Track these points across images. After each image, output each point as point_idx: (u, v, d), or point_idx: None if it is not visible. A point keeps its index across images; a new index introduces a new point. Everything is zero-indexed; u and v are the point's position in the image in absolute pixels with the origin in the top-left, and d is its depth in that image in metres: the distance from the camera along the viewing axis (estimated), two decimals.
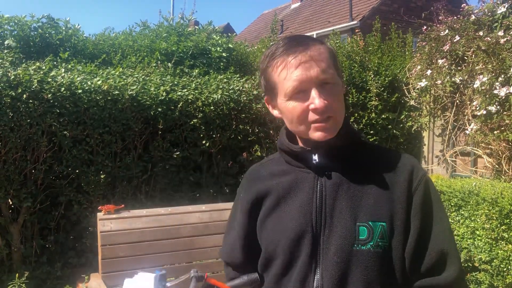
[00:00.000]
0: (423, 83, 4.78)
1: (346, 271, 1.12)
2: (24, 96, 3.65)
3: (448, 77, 4.48)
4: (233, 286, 1.11)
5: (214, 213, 2.93)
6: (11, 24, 5.38)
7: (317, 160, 1.18)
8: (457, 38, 4.44)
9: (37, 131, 3.73)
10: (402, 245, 1.14)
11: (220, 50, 6.17)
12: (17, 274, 3.47)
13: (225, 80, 4.84)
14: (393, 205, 1.14)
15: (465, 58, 4.39)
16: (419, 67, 4.97)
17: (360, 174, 1.18)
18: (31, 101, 3.67)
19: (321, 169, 1.19)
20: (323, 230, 1.15)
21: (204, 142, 4.39)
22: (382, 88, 5.44)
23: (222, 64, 6.07)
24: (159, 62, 5.54)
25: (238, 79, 4.99)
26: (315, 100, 1.11)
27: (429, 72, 4.71)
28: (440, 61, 4.60)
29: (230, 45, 6.40)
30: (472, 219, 3.37)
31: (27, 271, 3.62)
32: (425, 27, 5.05)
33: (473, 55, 4.23)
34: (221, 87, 4.58)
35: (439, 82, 4.58)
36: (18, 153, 3.70)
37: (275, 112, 1.25)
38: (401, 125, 5.55)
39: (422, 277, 1.15)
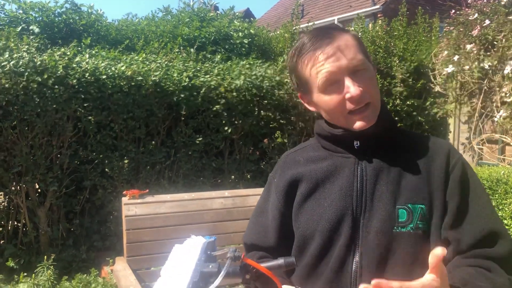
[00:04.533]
0: (449, 69, 4.65)
1: (385, 253, 1.13)
2: (50, 81, 3.69)
3: (476, 63, 4.35)
4: (268, 267, 1.10)
5: (236, 199, 2.93)
6: (35, 10, 5.44)
7: (358, 145, 1.20)
8: (487, 22, 4.30)
9: (63, 116, 3.78)
10: (441, 225, 1.14)
11: (242, 36, 6.12)
12: (45, 256, 3.56)
13: (248, 65, 4.81)
14: (431, 187, 1.16)
15: (495, 43, 4.26)
16: (446, 52, 4.84)
17: (399, 158, 1.20)
18: (56, 86, 3.72)
19: (362, 154, 1.21)
20: (363, 214, 1.16)
21: (226, 128, 4.39)
22: (408, 74, 5.33)
23: (244, 49, 6.03)
24: (181, 47, 5.53)
25: (261, 64, 4.95)
26: (350, 88, 1.11)
27: (456, 57, 4.58)
28: (468, 46, 4.47)
29: (252, 31, 6.35)
30: (500, 208, 3.29)
31: (53, 253, 3.71)
32: (453, 11, 4.90)
33: (504, 40, 4.10)
34: (243, 73, 4.55)
35: (466, 67, 4.45)
36: (45, 138, 3.77)
37: (311, 107, 1.27)
38: (426, 111, 5.44)
39: (470, 248, 1.12)
